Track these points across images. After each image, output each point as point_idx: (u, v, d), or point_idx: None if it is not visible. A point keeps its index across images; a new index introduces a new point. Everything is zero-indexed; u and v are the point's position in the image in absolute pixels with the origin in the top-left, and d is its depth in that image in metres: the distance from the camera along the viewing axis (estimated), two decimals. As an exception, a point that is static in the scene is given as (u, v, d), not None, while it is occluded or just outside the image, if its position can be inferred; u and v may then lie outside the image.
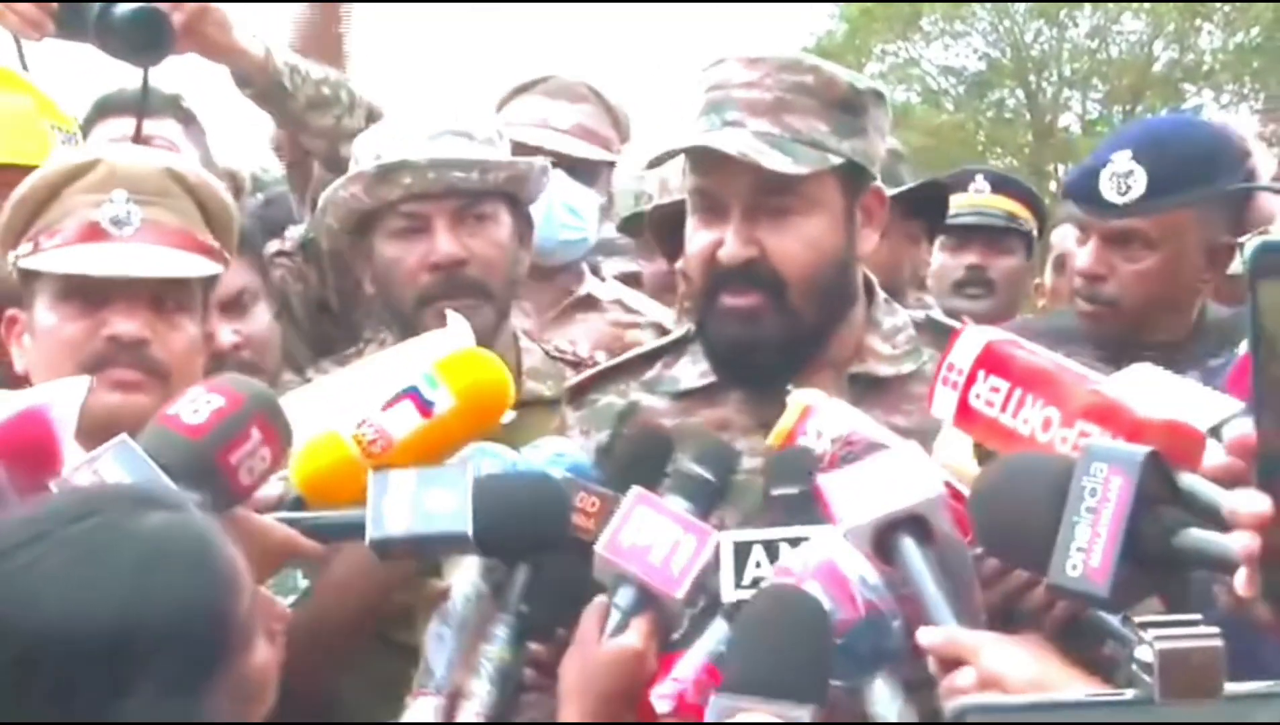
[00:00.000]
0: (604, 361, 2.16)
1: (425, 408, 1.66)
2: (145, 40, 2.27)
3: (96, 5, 2.26)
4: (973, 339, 1.52)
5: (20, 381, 1.95)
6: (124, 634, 1.17)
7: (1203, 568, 1.29)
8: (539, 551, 1.64)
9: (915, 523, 1.44)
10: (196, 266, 1.96)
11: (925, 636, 1.38)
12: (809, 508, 1.55)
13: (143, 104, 2.43)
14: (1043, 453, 1.41)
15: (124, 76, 2.51)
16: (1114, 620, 1.40)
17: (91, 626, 1.16)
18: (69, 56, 2.41)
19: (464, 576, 1.62)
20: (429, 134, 2.16)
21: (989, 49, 25.36)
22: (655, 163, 2.29)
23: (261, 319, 2.42)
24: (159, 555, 1.21)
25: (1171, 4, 23.56)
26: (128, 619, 1.17)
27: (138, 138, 2.41)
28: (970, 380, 1.49)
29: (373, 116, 2.44)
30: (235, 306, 2.36)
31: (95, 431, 1.70)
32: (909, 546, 1.43)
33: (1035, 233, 3.53)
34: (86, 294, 1.89)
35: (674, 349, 1.97)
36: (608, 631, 1.58)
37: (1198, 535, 1.27)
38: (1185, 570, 1.31)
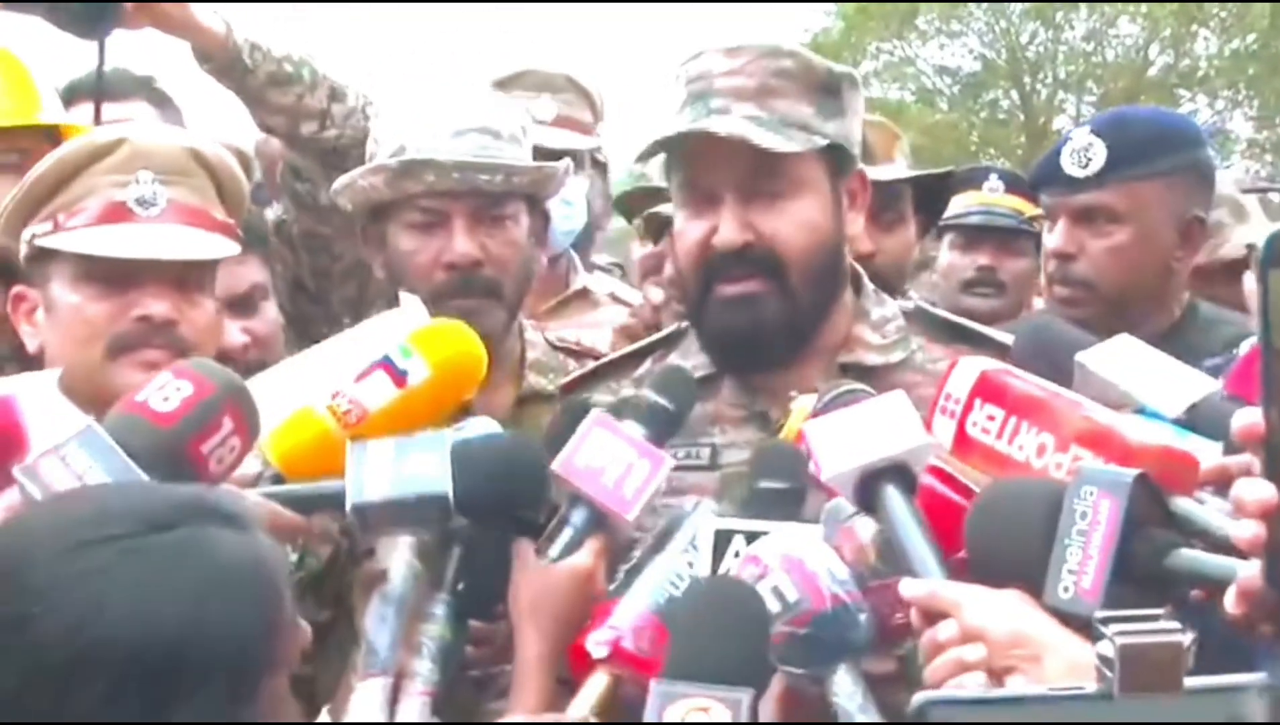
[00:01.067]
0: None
1: (399, 378, 1.66)
2: (94, 12, 2.23)
3: None
4: (968, 368, 1.54)
5: (32, 361, 1.95)
6: (180, 653, 1.17)
7: (1196, 587, 1.29)
8: (519, 512, 1.66)
9: (900, 472, 1.46)
10: (221, 247, 1.96)
11: (908, 589, 1.39)
12: (795, 504, 1.57)
13: (99, 80, 2.39)
14: (1036, 478, 1.42)
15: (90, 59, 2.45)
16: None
17: (152, 643, 1.16)
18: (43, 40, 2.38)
19: (399, 556, 1.61)
20: (455, 130, 2.13)
21: (984, 49, 25.42)
22: (644, 156, 2.28)
23: (269, 316, 2.41)
24: (228, 578, 1.22)
25: (1168, 8, 23.62)
26: (186, 639, 1.17)
27: (98, 120, 2.37)
28: (967, 408, 1.51)
29: (335, 95, 2.41)
30: (246, 304, 2.35)
31: None
32: (893, 495, 1.45)
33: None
34: (112, 274, 1.89)
35: (665, 345, 1.98)
36: (560, 548, 1.63)
37: (1190, 556, 1.29)
38: (1179, 590, 1.31)
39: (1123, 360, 1.64)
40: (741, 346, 1.82)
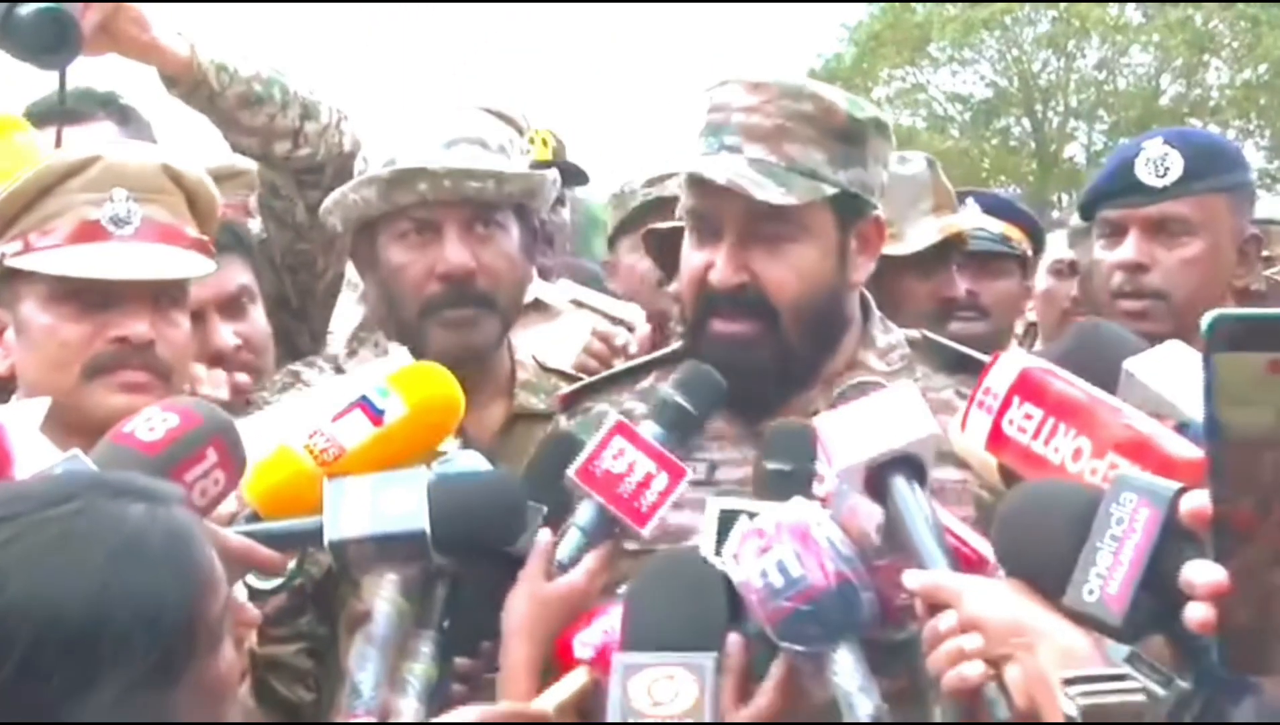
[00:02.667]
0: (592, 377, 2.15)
1: (376, 417, 1.64)
2: (51, 41, 2.13)
3: (1, 7, 2.13)
4: (1009, 364, 1.52)
5: (3, 383, 1.92)
6: (94, 623, 1.15)
7: None
8: (496, 548, 1.65)
9: (909, 463, 1.45)
10: (196, 265, 1.93)
11: (911, 580, 1.39)
12: (802, 486, 1.55)
13: (61, 106, 2.30)
14: (1070, 481, 1.40)
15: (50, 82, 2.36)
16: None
17: (61, 612, 1.14)
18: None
19: (384, 595, 1.61)
20: (444, 141, 2.12)
21: (997, 77, 25.50)
22: (652, 182, 2.27)
23: (258, 319, 2.39)
24: (136, 547, 1.19)
25: (1180, 38, 23.68)
26: (99, 608, 1.15)
27: (59, 145, 2.29)
28: (1005, 405, 1.49)
29: (308, 113, 2.35)
30: (234, 307, 2.33)
31: (101, 434, 1.68)
32: (901, 486, 1.44)
33: (1030, 254, 3.52)
34: (87, 295, 1.86)
35: (668, 361, 1.97)
36: (568, 551, 1.62)
37: None
38: None
39: (1172, 370, 1.61)
40: (730, 384, 1.79)
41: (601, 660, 1.52)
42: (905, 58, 25.08)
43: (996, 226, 3.39)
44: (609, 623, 1.55)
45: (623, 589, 1.59)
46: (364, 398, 1.65)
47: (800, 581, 1.41)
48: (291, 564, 1.78)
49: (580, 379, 2.27)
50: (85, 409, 1.81)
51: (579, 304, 3.02)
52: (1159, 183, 2.36)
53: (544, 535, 1.64)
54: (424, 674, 1.60)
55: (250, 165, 2.70)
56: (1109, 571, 1.24)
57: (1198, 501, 1.07)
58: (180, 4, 2.39)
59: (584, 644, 1.55)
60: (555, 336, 2.78)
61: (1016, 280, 3.39)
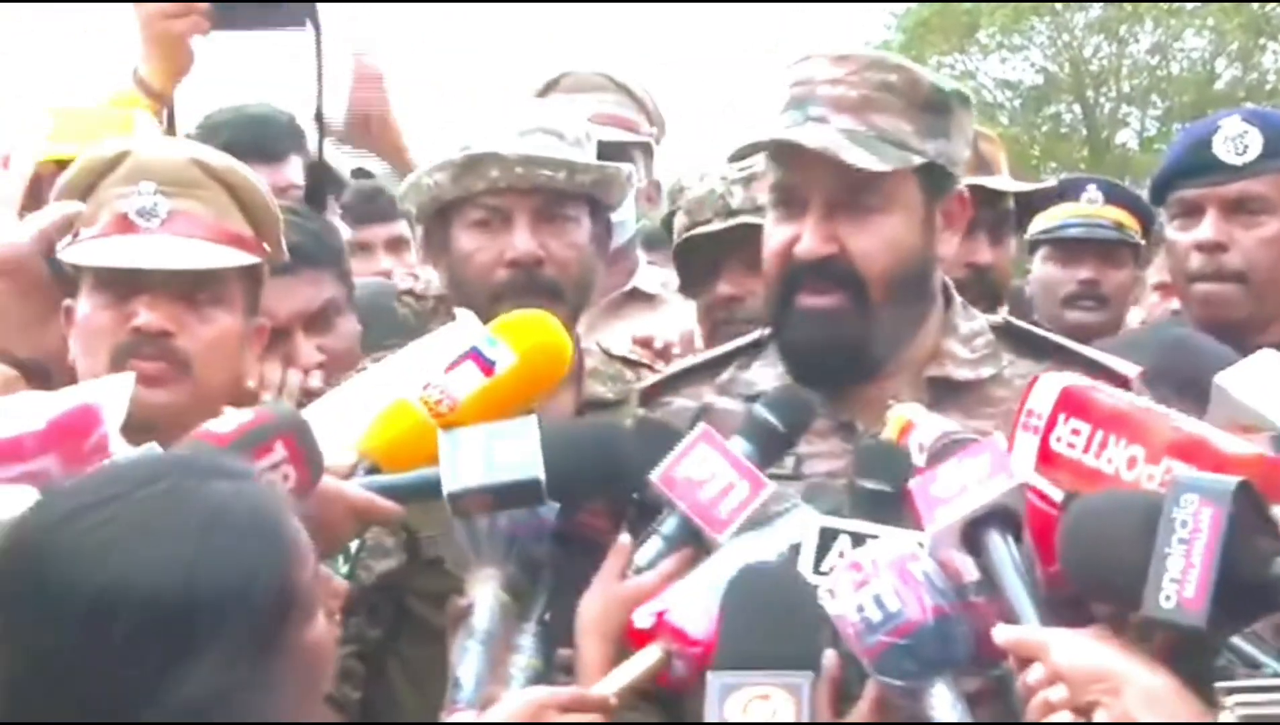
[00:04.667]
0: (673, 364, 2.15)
1: (487, 366, 1.70)
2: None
3: None
4: (1049, 384, 1.53)
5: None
6: (189, 595, 1.20)
7: None
8: (608, 493, 1.68)
9: (1002, 514, 1.45)
10: (223, 257, 1.93)
11: (999, 634, 1.40)
12: (896, 508, 1.55)
13: (317, 51, 2.47)
14: (1128, 489, 1.40)
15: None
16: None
17: (157, 586, 1.19)
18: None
19: (486, 590, 1.64)
20: (520, 129, 2.14)
21: (1047, 63, 25.21)
22: (738, 156, 2.25)
23: (345, 332, 2.40)
24: (223, 521, 1.24)
25: (1235, 21, 23.30)
26: (193, 581, 1.20)
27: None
28: (1050, 424, 1.50)
29: None
30: (320, 321, 2.34)
31: (128, 424, 1.68)
32: (995, 542, 1.44)
33: (1142, 243, 3.47)
34: (117, 285, 1.90)
35: (748, 351, 1.96)
36: (647, 557, 1.63)
37: None
38: None
39: (1264, 382, 1.60)
40: (818, 360, 1.80)
41: (662, 628, 1.53)
42: (954, 45, 24.84)
43: (1113, 214, 3.34)
44: (669, 595, 1.56)
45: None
46: (474, 348, 1.71)
47: (898, 616, 1.40)
48: (344, 569, 1.81)
49: (641, 364, 2.30)
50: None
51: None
52: (1238, 161, 2.32)
53: (624, 538, 1.66)
54: (527, 666, 1.62)
55: None
56: (1182, 575, 1.24)
57: None
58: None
59: (643, 614, 1.56)
60: (656, 323, 2.79)
61: (1130, 269, 3.36)
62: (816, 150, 1.74)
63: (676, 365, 2.10)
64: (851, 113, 1.78)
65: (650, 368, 2.33)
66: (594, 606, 1.63)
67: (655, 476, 1.64)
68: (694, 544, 1.65)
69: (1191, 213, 2.40)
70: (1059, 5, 23.99)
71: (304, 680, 1.29)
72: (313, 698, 1.35)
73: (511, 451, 1.60)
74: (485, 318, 2.09)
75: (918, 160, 1.79)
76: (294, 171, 2.84)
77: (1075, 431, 1.48)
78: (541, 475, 1.59)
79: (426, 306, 2.63)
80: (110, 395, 1.60)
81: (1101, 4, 24.06)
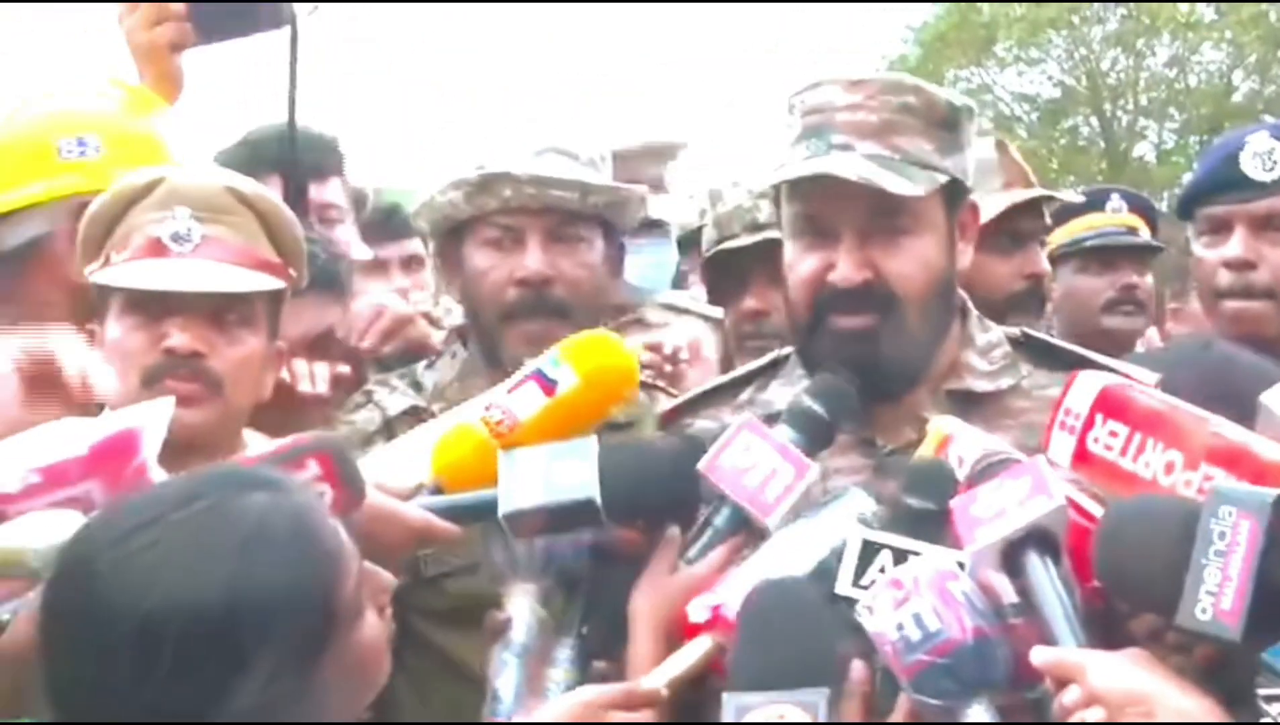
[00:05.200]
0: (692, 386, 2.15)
1: (549, 387, 1.70)
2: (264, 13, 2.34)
3: None
4: (1088, 383, 1.52)
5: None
6: (235, 610, 1.22)
7: None
8: (668, 515, 1.67)
9: (1041, 536, 1.45)
10: (252, 282, 1.97)
11: (1037, 656, 1.40)
12: (939, 526, 1.54)
13: (293, 63, 2.47)
14: (1165, 495, 1.39)
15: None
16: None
17: (204, 603, 1.21)
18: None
19: (523, 604, 1.65)
20: (535, 149, 2.16)
21: (1064, 76, 25.15)
22: (759, 196, 2.28)
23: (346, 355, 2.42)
24: (262, 534, 1.26)
25: (1253, 34, 23.22)
26: (237, 595, 1.22)
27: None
28: (1088, 424, 1.49)
29: None
30: (321, 347, 2.36)
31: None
32: (1034, 563, 1.44)
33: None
34: (149, 308, 1.93)
35: (766, 372, 1.97)
36: (699, 549, 1.63)
37: None
38: None
39: None
40: (854, 379, 1.79)
41: (718, 623, 1.53)
42: (971, 58, 24.81)
43: (1136, 221, 3.36)
44: (724, 588, 1.56)
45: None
46: (538, 369, 1.71)
47: (937, 635, 1.40)
48: None
49: (654, 386, 2.30)
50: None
51: (673, 309, 3.02)
52: (1267, 177, 2.32)
53: (673, 531, 1.66)
54: (565, 679, 1.63)
55: None
56: (1219, 587, 1.24)
57: None
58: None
59: (698, 607, 1.56)
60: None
61: (1150, 276, 3.36)
62: (853, 180, 1.74)
63: (696, 388, 2.11)
64: (875, 138, 1.78)
65: (660, 388, 2.35)
66: (646, 600, 1.63)
67: (701, 466, 1.65)
68: (745, 532, 1.65)
69: (1219, 230, 2.39)
70: (1076, 19, 23.95)
71: (356, 680, 1.31)
72: (365, 695, 1.36)
73: (570, 472, 1.61)
74: (496, 336, 2.15)
75: (943, 178, 1.81)
76: (334, 192, 2.85)
77: (1113, 433, 1.47)
78: (598, 496, 1.59)
79: (450, 338, 2.60)
80: (150, 419, 1.62)
81: (1118, 18, 24.03)
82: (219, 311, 1.94)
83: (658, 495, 1.66)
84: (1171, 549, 1.29)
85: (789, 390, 1.89)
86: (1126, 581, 1.35)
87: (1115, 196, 3.42)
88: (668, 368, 2.49)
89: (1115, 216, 3.37)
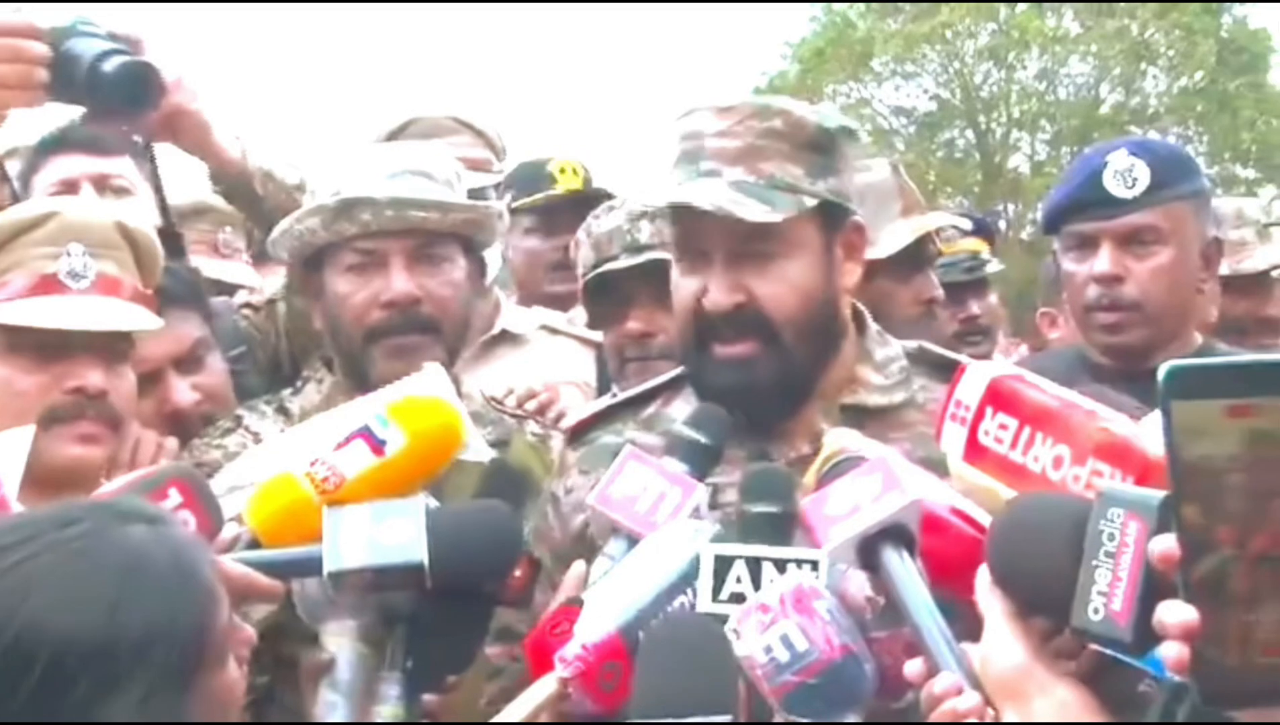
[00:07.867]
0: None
1: (378, 447, 1.66)
2: (134, 95, 2.29)
3: (85, 63, 2.24)
4: (978, 375, 1.51)
5: None
6: (111, 634, 1.21)
7: None
8: (495, 579, 1.67)
9: (898, 532, 1.45)
10: (147, 319, 1.98)
11: (911, 669, 1.39)
12: (786, 528, 1.55)
13: (151, 162, 2.52)
14: (1056, 492, 1.38)
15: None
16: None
17: (80, 623, 1.20)
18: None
19: (344, 642, 1.63)
20: (389, 172, 2.13)
21: (939, 90, 25.75)
22: (638, 217, 2.30)
23: (216, 368, 2.39)
24: (144, 563, 1.25)
25: (1117, 48, 24.02)
26: (115, 620, 1.21)
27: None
28: (978, 416, 1.49)
29: None
30: (191, 360, 2.33)
31: (54, 482, 1.72)
32: (892, 557, 1.44)
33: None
34: (43, 346, 1.89)
35: (670, 387, 1.98)
36: (595, 580, 1.62)
37: None
38: None
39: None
40: (735, 405, 1.81)
41: (582, 682, 1.50)
42: (849, 73, 25.26)
43: (974, 245, 3.41)
44: (588, 637, 1.52)
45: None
46: (365, 427, 1.67)
47: (806, 655, 1.40)
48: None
49: (516, 413, 2.32)
50: (42, 459, 1.81)
51: (550, 330, 3.00)
52: (1128, 194, 2.40)
53: (578, 567, 1.66)
54: (392, 714, 1.61)
55: (219, 202, 2.71)
56: (1110, 588, 1.24)
57: (1165, 545, 1.11)
58: (174, 3, 2.43)
59: (566, 661, 1.51)
60: (525, 364, 2.79)
61: (993, 291, 3.42)
62: (709, 210, 1.76)
63: (601, 402, 2.11)
64: (740, 163, 1.79)
65: (530, 415, 2.34)
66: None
67: (592, 499, 1.65)
68: None
69: (1086, 246, 2.46)
70: (949, 34, 24.53)
71: (213, 720, 1.29)
72: None
73: (395, 533, 1.58)
74: (361, 357, 2.12)
75: (810, 202, 1.81)
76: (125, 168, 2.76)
77: (1003, 426, 1.47)
78: (425, 559, 1.57)
79: (261, 314, 2.60)
80: (7, 452, 1.61)
81: (989, 32, 24.66)
82: (109, 348, 1.93)
83: (484, 561, 1.64)
84: (1064, 550, 1.27)
85: (690, 407, 1.90)
86: (1020, 582, 1.34)
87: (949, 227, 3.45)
88: (530, 405, 2.46)
89: (954, 244, 3.42)
